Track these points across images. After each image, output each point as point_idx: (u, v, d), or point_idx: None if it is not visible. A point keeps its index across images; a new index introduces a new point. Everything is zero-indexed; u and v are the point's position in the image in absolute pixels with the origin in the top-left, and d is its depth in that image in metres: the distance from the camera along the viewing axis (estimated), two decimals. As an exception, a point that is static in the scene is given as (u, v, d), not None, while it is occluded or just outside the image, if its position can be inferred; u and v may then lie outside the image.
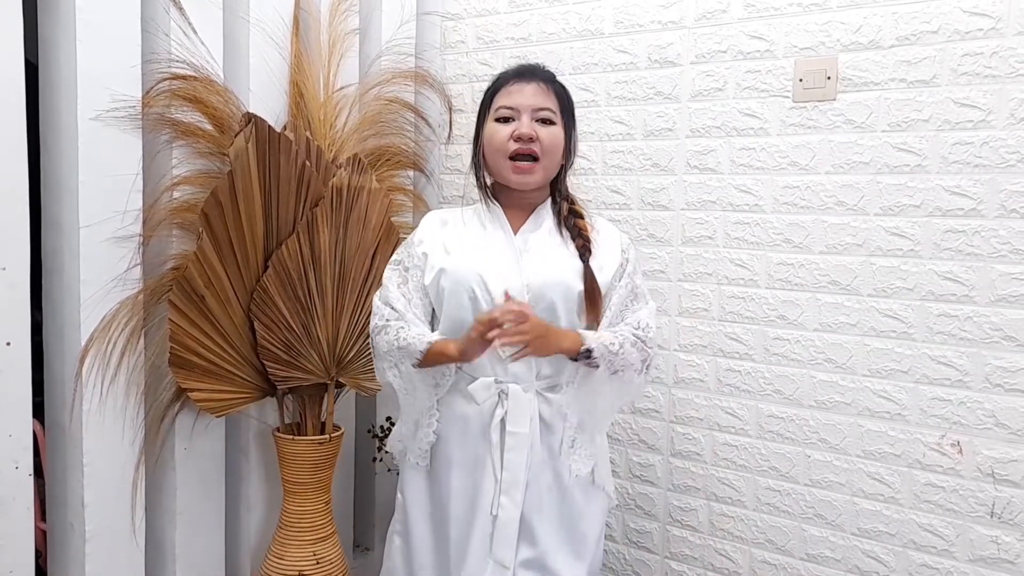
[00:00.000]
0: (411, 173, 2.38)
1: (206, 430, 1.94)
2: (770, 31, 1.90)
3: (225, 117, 1.83)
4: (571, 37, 2.19)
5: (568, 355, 1.43)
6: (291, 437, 1.93)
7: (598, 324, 1.49)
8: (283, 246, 1.82)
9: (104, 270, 1.70)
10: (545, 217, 1.55)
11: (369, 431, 2.41)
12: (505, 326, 1.31)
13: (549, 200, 1.57)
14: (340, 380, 2.00)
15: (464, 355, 1.40)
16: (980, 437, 1.70)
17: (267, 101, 1.98)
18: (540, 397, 1.49)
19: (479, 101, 1.58)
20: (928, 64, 1.72)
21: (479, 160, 1.56)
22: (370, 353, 1.60)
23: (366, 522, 2.52)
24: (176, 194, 1.81)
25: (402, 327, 1.47)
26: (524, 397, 1.47)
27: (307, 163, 1.82)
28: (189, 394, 1.78)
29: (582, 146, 2.15)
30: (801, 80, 1.86)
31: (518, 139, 1.47)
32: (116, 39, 1.69)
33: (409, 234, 1.62)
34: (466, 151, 1.71)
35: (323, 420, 2.01)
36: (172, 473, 1.89)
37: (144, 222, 1.77)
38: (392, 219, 2.04)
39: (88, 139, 1.65)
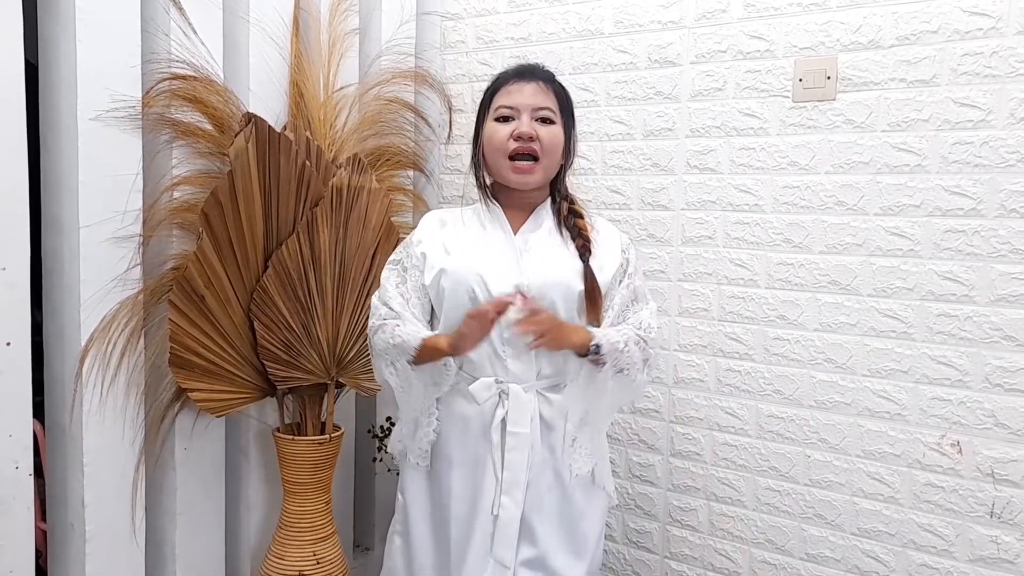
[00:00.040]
0: (411, 173, 2.38)
1: (206, 430, 1.94)
2: (770, 31, 1.90)
3: (225, 117, 1.83)
4: (571, 37, 2.20)
5: (578, 351, 1.43)
6: (291, 437, 1.93)
7: (599, 324, 1.49)
8: (283, 246, 1.82)
9: (104, 270, 1.70)
10: (545, 217, 1.55)
11: (369, 431, 2.41)
12: (519, 316, 1.32)
13: (549, 200, 1.57)
14: (340, 380, 2.00)
15: (455, 349, 1.40)
16: (980, 437, 1.70)
17: (267, 101, 1.98)
18: (541, 397, 1.49)
19: (479, 101, 1.58)
20: (928, 64, 1.72)
21: (479, 160, 1.56)
22: (370, 353, 1.60)
23: (366, 522, 2.52)
24: (176, 194, 1.81)
25: (398, 325, 1.47)
26: (525, 397, 1.47)
27: (307, 163, 1.82)
28: (189, 394, 1.78)
29: (582, 146, 2.15)
30: (801, 80, 1.86)
31: (518, 138, 1.47)
32: (116, 39, 1.69)
33: (409, 234, 1.62)
34: (466, 151, 1.71)
35: (323, 420, 2.01)
36: (172, 473, 1.89)
37: (144, 222, 1.77)
38: (392, 219, 2.04)
39: (88, 139, 1.65)
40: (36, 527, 1.67)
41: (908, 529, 1.78)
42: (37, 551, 1.68)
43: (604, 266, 1.51)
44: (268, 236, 1.83)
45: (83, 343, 1.68)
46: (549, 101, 1.50)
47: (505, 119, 1.49)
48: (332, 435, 1.97)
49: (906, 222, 1.76)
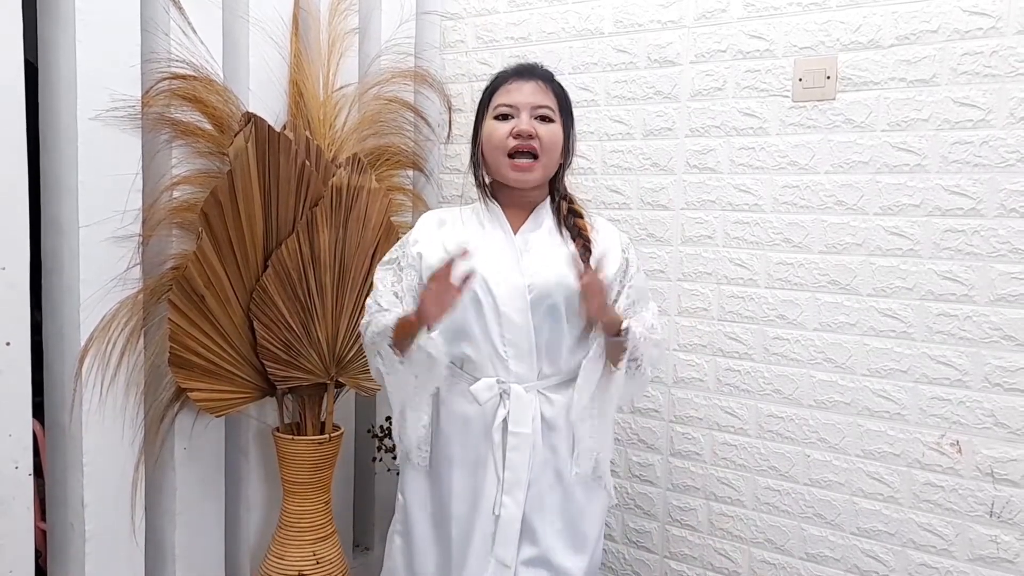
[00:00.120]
0: (410, 173, 2.38)
1: (206, 430, 1.94)
2: (770, 30, 1.90)
3: (225, 117, 1.83)
4: (570, 37, 2.19)
5: (609, 329, 1.43)
6: (291, 437, 1.93)
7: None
8: (283, 246, 1.82)
9: (104, 270, 1.70)
10: (545, 217, 1.55)
11: (369, 431, 2.41)
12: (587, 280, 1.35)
13: (548, 199, 1.57)
14: (340, 380, 2.00)
15: (420, 316, 1.37)
16: (979, 436, 1.70)
17: (267, 101, 1.98)
18: (542, 397, 1.49)
19: (478, 100, 1.58)
20: (928, 63, 1.72)
21: (478, 159, 1.56)
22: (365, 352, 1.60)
23: (366, 522, 2.52)
24: (176, 194, 1.81)
25: (383, 316, 1.47)
26: (526, 397, 1.47)
27: (307, 163, 1.82)
28: (189, 394, 1.78)
29: (581, 146, 2.15)
30: (801, 79, 1.86)
31: (517, 136, 1.47)
32: (116, 39, 1.69)
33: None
34: (465, 151, 1.70)
35: (323, 420, 2.01)
36: (172, 473, 1.89)
37: (144, 222, 1.77)
38: (392, 219, 2.04)
39: (88, 139, 1.65)
40: (36, 527, 1.67)
41: (908, 528, 1.79)
42: (37, 551, 1.68)
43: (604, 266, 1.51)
44: (268, 236, 1.83)
45: (83, 343, 1.68)
46: (548, 100, 1.50)
47: (504, 117, 1.49)
48: (332, 435, 1.97)
49: (906, 222, 1.76)
